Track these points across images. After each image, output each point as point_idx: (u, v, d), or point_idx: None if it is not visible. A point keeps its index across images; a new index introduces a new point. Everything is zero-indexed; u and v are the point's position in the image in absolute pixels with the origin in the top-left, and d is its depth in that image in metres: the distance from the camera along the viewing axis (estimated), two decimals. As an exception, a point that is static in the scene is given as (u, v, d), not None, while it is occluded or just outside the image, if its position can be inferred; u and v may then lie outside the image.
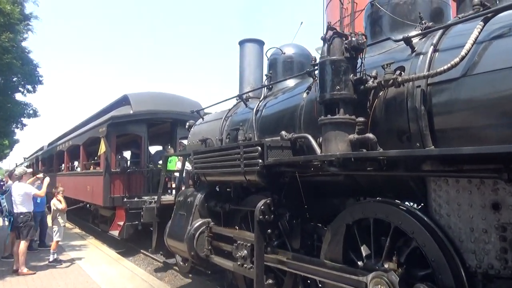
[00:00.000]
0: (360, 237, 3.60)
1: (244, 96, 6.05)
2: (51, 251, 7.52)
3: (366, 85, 3.39)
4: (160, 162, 11.32)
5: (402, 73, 3.24)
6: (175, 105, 9.62)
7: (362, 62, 3.49)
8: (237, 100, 6.62)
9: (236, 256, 4.79)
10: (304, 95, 4.42)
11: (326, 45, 4.63)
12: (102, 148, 8.86)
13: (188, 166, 7.83)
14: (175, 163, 9.72)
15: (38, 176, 9.05)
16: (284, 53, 5.64)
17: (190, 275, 6.77)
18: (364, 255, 3.51)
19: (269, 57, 5.88)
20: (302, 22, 13.37)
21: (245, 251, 4.71)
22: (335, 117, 3.37)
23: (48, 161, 19.18)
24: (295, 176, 4.43)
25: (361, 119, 3.41)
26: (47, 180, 7.99)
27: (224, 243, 5.34)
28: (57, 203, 7.64)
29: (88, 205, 12.48)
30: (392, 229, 3.24)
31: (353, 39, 3.35)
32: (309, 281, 4.35)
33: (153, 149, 12.09)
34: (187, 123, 7.50)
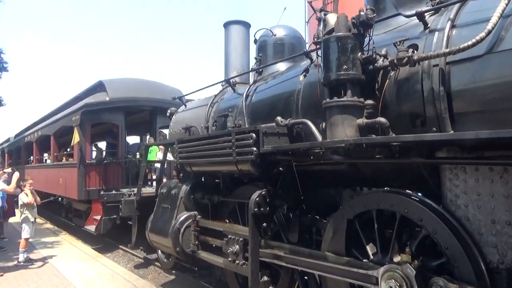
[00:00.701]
0: (363, 231, 3.36)
1: (231, 81, 5.66)
2: (20, 250, 6.92)
3: (376, 64, 3.10)
4: (138, 154, 10.83)
5: (415, 51, 2.96)
6: (154, 92, 9.07)
7: (370, 39, 3.18)
8: (222, 85, 6.24)
9: (227, 252, 4.46)
10: (301, 78, 4.09)
11: (322, 24, 4.30)
12: (76, 137, 8.26)
13: (170, 156, 7.41)
14: (155, 154, 9.24)
15: (5, 170, 8.40)
16: (275, 35, 5.28)
17: (174, 272, 6.40)
18: (368, 249, 3.27)
19: (258, 39, 5.50)
20: (285, 8, 13.07)
21: (237, 246, 4.39)
22: (342, 99, 3.06)
23: (16, 154, 18.13)
24: (290, 165, 4.13)
25: (370, 101, 3.12)
26: (16, 175, 7.37)
27: (212, 238, 5.01)
28: (23, 197, 7.02)
29: (60, 198, 11.81)
30: (398, 219, 3.01)
31: (361, 13, 3.04)
32: (306, 277, 4.08)
33: (131, 139, 11.51)
34: (168, 111, 7.05)
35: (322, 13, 4.62)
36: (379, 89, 3.19)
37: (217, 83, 6.16)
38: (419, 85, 2.90)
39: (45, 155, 14.74)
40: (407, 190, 3.17)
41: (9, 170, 8.55)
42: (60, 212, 12.31)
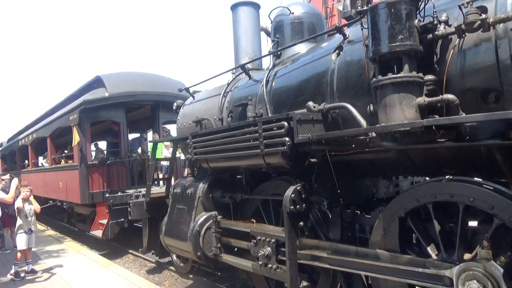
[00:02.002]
0: (417, 228, 2.95)
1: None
2: (15, 262, 6.27)
3: (436, 32, 2.64)
4: (140, 150, 10.33)
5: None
6: (156, 85, 8.51)
7: (426, 3, 2.72)
8: (233, 73, 5.75)
9: (258, 255, 4.03)
10: (333, 57, 3.63)
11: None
12: (76, 138, 7.72)
13: (178, 153, 6.94)
14: (161, 151, 8.75)
15: (3, 177, 7.87)
16: (292, 13, 4.79)
17: (191, 276, 5.97)
18: (429, 249, 2.86)
19: (273, 19, 5.00)
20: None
21: (269, 249, 3.96)
22: (399, 75, 2.61)
23: (10, 158, 17.49)
24: (325, 156, 3.69)
25: (430, 77, 2.67)
26: (15, 182, 6.83)
27: (236, 240, 4.57)
28: (18, 203, 6.31)
29: (60, 202, 11.29)
30: (462, 210, 2.59)
31: (419, -28, 2.57)
32: (350, 279, 3.66)
33: (131, 137, 10.93)
34: (175, 103, 6.55)
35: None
36: (438, 62, 2.75)
37: (228, 71, 5.67)
38: (492, 54, 2.46)
39: (40, 158, 14.16)
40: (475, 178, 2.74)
41: (7, 176, 8.03)
42: (61, 217, 11.80)
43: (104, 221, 7.69)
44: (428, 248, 2.91)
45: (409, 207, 2.93)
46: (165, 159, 8.26)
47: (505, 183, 2.74)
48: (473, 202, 2.55)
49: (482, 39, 2.51)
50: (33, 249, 8.13)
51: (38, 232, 10.81)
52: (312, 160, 3.84)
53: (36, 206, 6.46)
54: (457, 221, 2.68)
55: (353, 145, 3.38)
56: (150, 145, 8.85)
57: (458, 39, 2.59)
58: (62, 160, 10.33)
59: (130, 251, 7.81)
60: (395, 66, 2.68)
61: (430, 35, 2.67)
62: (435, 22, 2.63)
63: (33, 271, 6.36)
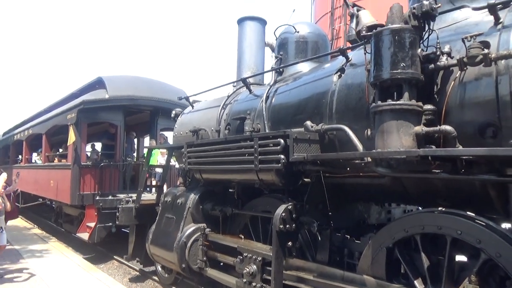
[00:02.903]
0: (404, 259, 2.90)
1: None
2: None
3: (438, 63, 2.64)
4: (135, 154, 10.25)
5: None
6: (157, 91, 8.49)
7: (430, 34, 2.73)
8: (234, 86, 5.76)
9: (242, 272, 3.95)
10: (335, 78, 3.63)
11: (354, 21, 3.88)
12: (72, 137, 7.65)
13: (172, 161, 6.89)
14: (156, 158, 8.68)
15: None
16: (298, 32, 4.81)
17: None
18: (416, 284, 2.80)
19: (278, 36, 5.03)
20: (294, 10, 12.68)
21: (254, 266, 3.88)
22: (399, 102, 2.60)
23: (3, 152, 17.32)
24: (319, 177, 3.66)
25: (429, 106, 2.66)
26: (3, 176, 6.71)
27: (223, 254, 4.50)
28: None
29: (49, 201, 11.13)
30: (449, 242, 2.57)
31: (425, 2, 2.59)
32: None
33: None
34: (173, 111, 6.53)
35: (355, 8, 4.20)
36: (438, 92, 2.75)
37: (230, 83, 5.68)
38: (492, 89, 2.46)
39: (34, 155, 14.01)
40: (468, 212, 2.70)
41: (-4, 170, 7.90)
42: (49, 216, 11.62)
43: (92, 224, 7.56)
44: (415, 281, 2.85)
45: (397, 238, 2.88)
46: (159, 166, 8.19)
47: (496, 219, 2.71)
48: (461, 235, 2.51)
49: (483, 74, 2.51)
50: (16, 247, 8.01)
51: (23, 230, 10.66)
52: (305, 180, 3.82)
53: (7, 205, 6.19)
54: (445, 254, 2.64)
55: (348, 168, 3.35)
56: (145, 150, 8.80)
57: (459, 72, 2.59)
58: (56, 159, 10.23)
59: (115, 257, 7.66)
60: (395, 93, 2.68)
61: (432, 65, 2.67)
62: (438, 52, 2.64)
63: (13, 271, 6.18)
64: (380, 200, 3.94)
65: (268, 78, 5.38)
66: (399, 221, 2.98)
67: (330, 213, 3.73)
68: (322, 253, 3.47)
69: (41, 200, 11.71)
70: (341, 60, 3.79)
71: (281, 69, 4.80)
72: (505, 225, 2.70)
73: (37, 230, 10.77)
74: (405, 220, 2.91)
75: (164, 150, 8.00)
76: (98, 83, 8.57)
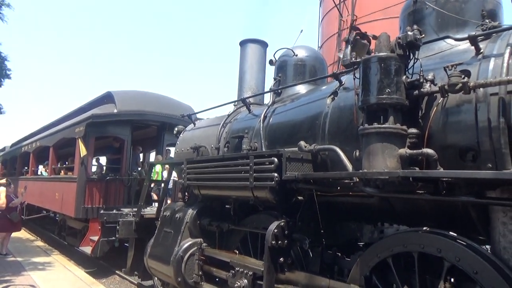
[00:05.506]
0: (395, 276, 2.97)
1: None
2: None
3: (422, 89, 2.80)
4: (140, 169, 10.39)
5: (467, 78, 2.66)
6: (164, 107, 8.71)
7: (414, 62, 2.90)
8: (234, 105, 5.94)
9: (234, 286, 4.03)
10: (328, 101, 3.79)
11: (349, 47, 4.06)
12: (83, 150, 7.82)
13: (175, 176, 7.03)
14: (161, 173, 8.83)
15: (1, 182, 7.97)
16: (296, 55, 5.02)
17: (170, 302, 5.88)
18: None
19: (277, 58, 5.24)
20: (302, 30, 12.97)
21: (245, 281, 3.97)
22: (384, 125, 2.74)
23: (10, 164, 17.62)
24: (311, 195, 3.77)
25: (413, 130, 2.80)
26: (2, 190, 6.89)
27: (218, 269, 4.58)
28: None
29: (53, 214, 11.27)
30: (446, 268, 2.63)
31: (409, 33, 2.76)
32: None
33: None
34: (176, 128, 6.72)
35: (354, 34, 4.39)
36: (422, 117, 2.89)
37: (230, 102, 5.87)
38: (472, 115, 2.59)
39: (40, 167, 14.23)
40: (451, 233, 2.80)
41: (3, 181, 8.11)
42: (52, 229, 11.74)
43: (96, 238, 7.65)
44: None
45: (396, 251, 2.91)
46: (162, 181, 8.33)
47: (479, 240, 2.81)
48: (459, 262, 2.50)
49: (464, 100, 2.65)
50: (18, 259, 8.12)
51: (26, 242, 10.77)
52: (299, 197, 3.93)
53: None
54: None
55: (338, 188, 3.46)
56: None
57: (442, 98, 2.74)
58: (62, 171, 10.42)
59: (117, 271, 7.71)
60: (381, 117, 2.82)
61: (416, 91, 2.82)
62: (422, 80, 2.79)
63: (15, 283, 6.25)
64: (371, 220, 4.03)
65: (268, 98, 5.58)
66: (398, 236, 3.02)
67: (322, 231, 3.84)
68: (313, 270, 3.56)
69: (45, 212, 11.86)
70: (336, 83, 3.96)
71: (279, 90, 4.99)
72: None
73: (40, 243, 10.88)
74: (403, 237, 2.92)
75: (167, 166, 8.15)
76: (107, 98, 8.81)
